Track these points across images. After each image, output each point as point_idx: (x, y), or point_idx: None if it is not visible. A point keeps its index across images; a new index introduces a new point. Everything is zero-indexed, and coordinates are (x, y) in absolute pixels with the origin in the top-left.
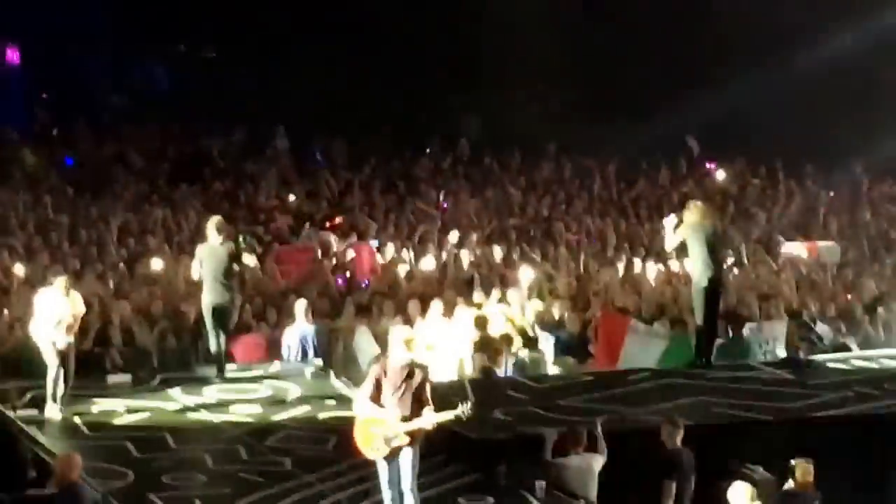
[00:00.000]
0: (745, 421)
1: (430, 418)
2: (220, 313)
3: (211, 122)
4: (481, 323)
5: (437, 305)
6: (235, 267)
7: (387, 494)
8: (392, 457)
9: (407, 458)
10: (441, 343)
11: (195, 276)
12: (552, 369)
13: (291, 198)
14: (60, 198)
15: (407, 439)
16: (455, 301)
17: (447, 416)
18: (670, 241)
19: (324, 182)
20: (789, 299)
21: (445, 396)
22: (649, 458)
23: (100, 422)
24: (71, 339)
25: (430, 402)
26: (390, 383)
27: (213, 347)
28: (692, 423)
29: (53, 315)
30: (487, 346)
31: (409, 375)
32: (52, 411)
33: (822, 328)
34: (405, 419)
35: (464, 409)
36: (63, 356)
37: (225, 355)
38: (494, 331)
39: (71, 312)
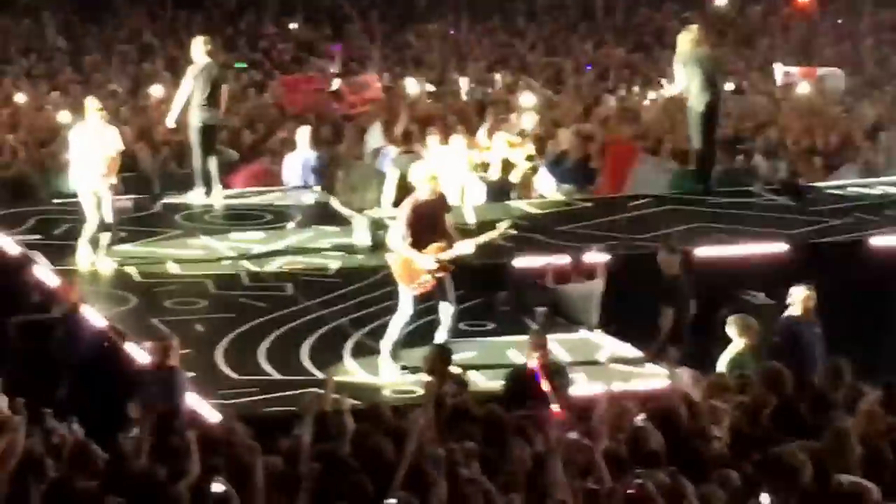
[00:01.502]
0: (746, 246)
1: (467, 245)
2: (207, 133)
3: None
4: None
5: (436, 133)
6: (223, 87)
7: (405, 321)
8: (435, 289)
9: (450, 287)
10: (443, 170)
11: (182, 96)
12: (554, 196)
13: (293, 26)
14: (61, 24)
15: (450, 269)
16: (456, 127)
17: (483, 239)
18: (677, 81)
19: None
20: (789, 127)
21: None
22: (649, 285)
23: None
24: (112, 180)
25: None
26: (422, 218)
27: (199, 167)
28: (692, 248)
29: (90, 154)
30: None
31: (437, 207)
32: (86, 257)
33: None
34: (440, 250)
35: (503, 229)
36: (101, 201)
37: (215, 177)
38: (496, 156)
39: (111, 149)
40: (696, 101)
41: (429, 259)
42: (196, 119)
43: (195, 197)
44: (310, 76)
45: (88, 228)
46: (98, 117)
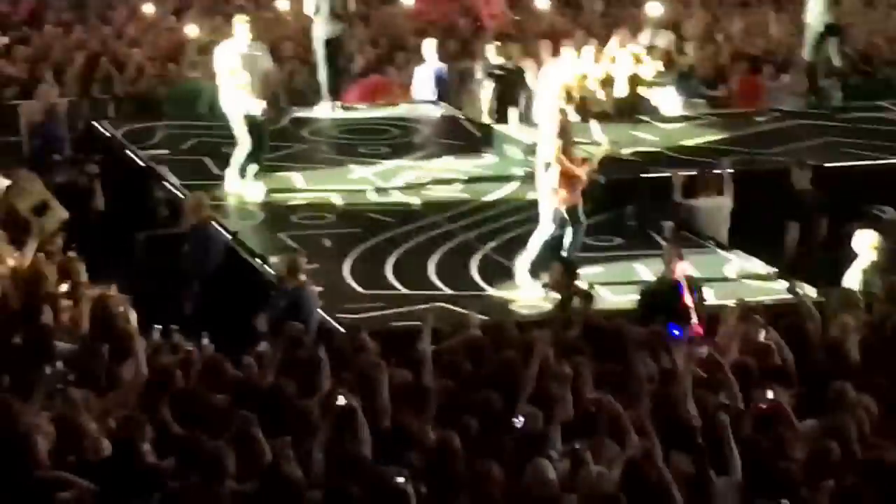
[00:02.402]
0: (877, 162)
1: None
2: (333, 46)
3: None
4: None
5: (568, 49)
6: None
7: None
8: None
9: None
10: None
11: (310, 9)
12: (680, 111)
13: None
14: None
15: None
16: (584, 41)
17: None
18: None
19: None
20: None
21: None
22: (778, 200)
23: (229, 161)
24: (264, 103)
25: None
26: (569, 130)
27: (325, 80)
28: (822, 164)
29: (242, 74)
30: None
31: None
32: (237, 185)
33: None
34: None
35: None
36: (257, 126)
37: (337, 90)
38: (623, 70)
39: (261, 67)
40: (816, 19)
41: (583, 173)
42: (320, 31)
43: (322, 111)
44: None
45: (240, 152)
46: (247, 34)
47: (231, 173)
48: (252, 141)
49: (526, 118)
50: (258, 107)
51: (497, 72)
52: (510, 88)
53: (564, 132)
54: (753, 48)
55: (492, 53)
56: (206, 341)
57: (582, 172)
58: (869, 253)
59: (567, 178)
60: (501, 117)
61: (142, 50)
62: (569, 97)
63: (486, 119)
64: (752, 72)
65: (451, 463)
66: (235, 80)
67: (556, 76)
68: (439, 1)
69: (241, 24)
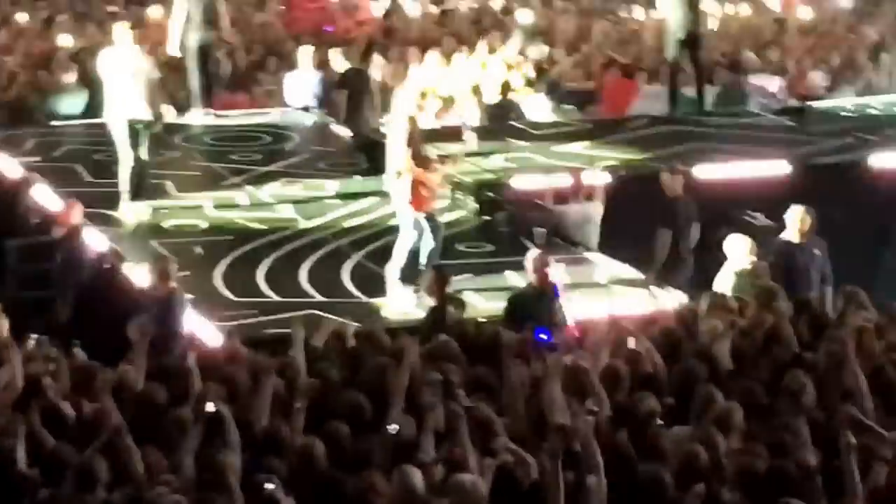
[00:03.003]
0: (746, 167)
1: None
2: (204, 54)
3: None
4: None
5: (434, 54)
6: (221, 7)
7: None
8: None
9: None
10: (440, 89)
11: (179, 19)
12: (552, 117)
13: None
14: None
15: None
16: (454, 48)
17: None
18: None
19: None
20: (790, 47)
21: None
22: (649, 206)
23: (102, 169)
24: (148, 114)
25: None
26: (419, 138)
27: (197, 88)
28: (692, 169)
29: (124, 84)
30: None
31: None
32: (131, 209)
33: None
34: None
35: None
36: (138, 133)
37: (208, 97)
38: (493, 77)
39: (144, 73)
40: (677, 26)
41: (436, 178)
42: (193, 40)
43: (194, 117)
44: None
45: (124, 166)
46: (130, 43)
47: (122, 190)
48: (133, 153)
49: (368, 122)
50: (144, 112)
51: (344, 77)
52: (358, 94)
53: (413, 139)
54: (624, 55)
55: (338, 60)
56: (77, 349)
57: (434, 178)
58: (741, 258)
59: (419, 185)
60: (352, 122)
61: (13, 57)
62: (421, 103)
63: (340, 125)
64: (621, 78)
65: (316, 470)
66: (117, 89)
67: (413, 83)
68: (310, 8)
69: (122, 31)
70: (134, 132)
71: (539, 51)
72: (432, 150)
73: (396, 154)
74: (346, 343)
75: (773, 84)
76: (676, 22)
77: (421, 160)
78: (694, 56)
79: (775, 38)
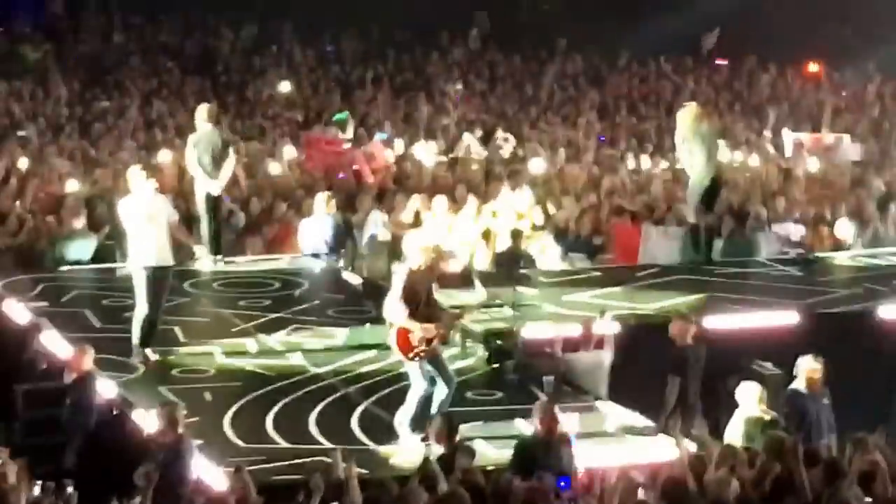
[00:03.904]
0: (755, 316)
1: (457, 315)
2: (211, 201)
3: (221, 17)
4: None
5: (443, 200)
6: (230, 155)
7: (421, 394)
8: (429, 356)
9: (440, 355)
10: (449, 237)
11: (190, 166)
12: (561, 265)
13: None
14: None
15: (447, 337)
16: (465, 196)
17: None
18: (681, 155)
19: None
20: (798, 197)
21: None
22: (659, 354)
23: (111, 314)
24: (170, 260)
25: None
26: (418, 287)
27: (206, 234)
28: (702, 318)
29: (143, 226)
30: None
31: (430, 275)
32: (142, 355)
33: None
34: (434, 319)
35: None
36: (157, 280)
37: (219, 241)
38: (503, 225)
39: (164, 215)
40: (702, 175)
41: (425, 328)
42: (199, 187)
43: (204, 264)
44: (330, 138)
45: (140, 312)
46: (145, 186)
47: (136, 333)
48: (148, 300)
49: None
50: (167, 258)
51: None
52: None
53: (409, 285)
54: (633, 203)
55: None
56: (70, 489)
57: (421, 331)
58: (752, 407)
59: (405, 332)
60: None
61: (22, 202)
62: (433, 254)
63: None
64: (630, 226)
65: None
66: (137, 235)
67: (423, 230)
68: (327, 151)
69: (137, 175)
70: (154, 278)
71: (548, 199)
72: (442, 297)
73: (389, 300)
74: (355, 490)
75: (796, 233)
76: (698, 173)
77: (413, 308)
78: (710, 206)
79: (783, 189)
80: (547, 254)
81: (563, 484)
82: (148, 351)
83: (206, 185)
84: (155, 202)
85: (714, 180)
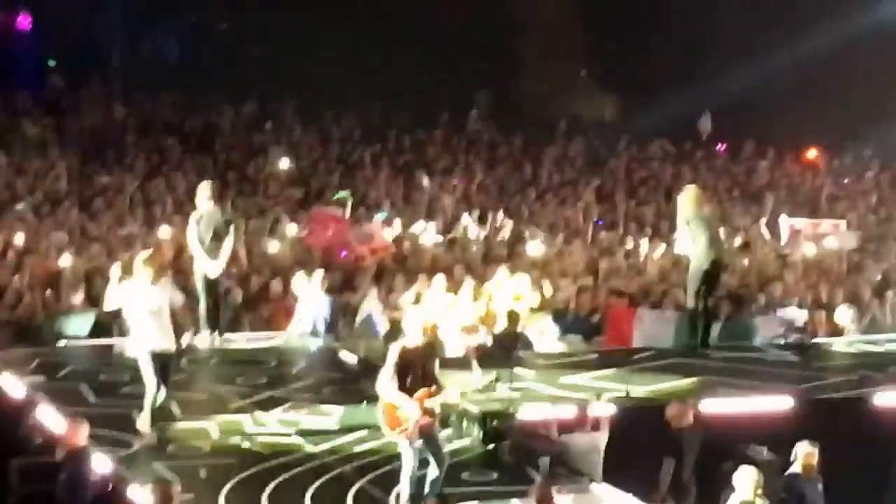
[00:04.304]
0: (751, 401)
1: (453, 393)
2: (209, 280)
3: (221, 93)
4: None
5: (441, 280)
6: (230, 234)
7: (412, 472)
8: (419, 436)
9: (436, 439)
10: (447, 318)
11: (191, 243)
12: (558, 346)
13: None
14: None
15: (435, 417)
16: (463, 276)
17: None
18: (683, 242)
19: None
20: (794, 283)
21: (454, 370)
22: (654, 437)
23: (107, 389)
24: (172, 345)
25: (444, 379)
26: (411, 364)
27: (204, 312)
28: (697, 402)
29: (146, 315)
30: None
31: (426, 353)
32: (148, 436)
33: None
34: (426, 396)
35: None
36: (163, 363)
37: (217, 318)
38: (501, 306)
39: (169, 306)
40: (703, 259)
41: (413, 405)
42: (198, 265)
43: (200, 342)
44: (337, 214)
45: (150, 394)
46: (150, 274)
47: (145, 415)
48: (156, 379)
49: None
50: (170, 343)
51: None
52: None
53: (406, 367)
54: (629, 286)
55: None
56: None
57: (409, 408)
58: (747, 491)
59: (391, 412)
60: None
61: (20, 276)
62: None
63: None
64: (626, 308)
65: None
66: (139, 321)
67: (419, 310)
68: (330, 227)
69: (142, 264)
70: (159, 361)
71: (546, 281)
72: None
73: (381, 375)
74: None
75: (801, 318)
76: (698, 257)
77: (403, 385)
78: (710, 290)
79: (778, 275)
80: (545, 336)
81: None
82: (148, 431)
83: (204, 265)
84: (156, 293)
85: (714, 264)
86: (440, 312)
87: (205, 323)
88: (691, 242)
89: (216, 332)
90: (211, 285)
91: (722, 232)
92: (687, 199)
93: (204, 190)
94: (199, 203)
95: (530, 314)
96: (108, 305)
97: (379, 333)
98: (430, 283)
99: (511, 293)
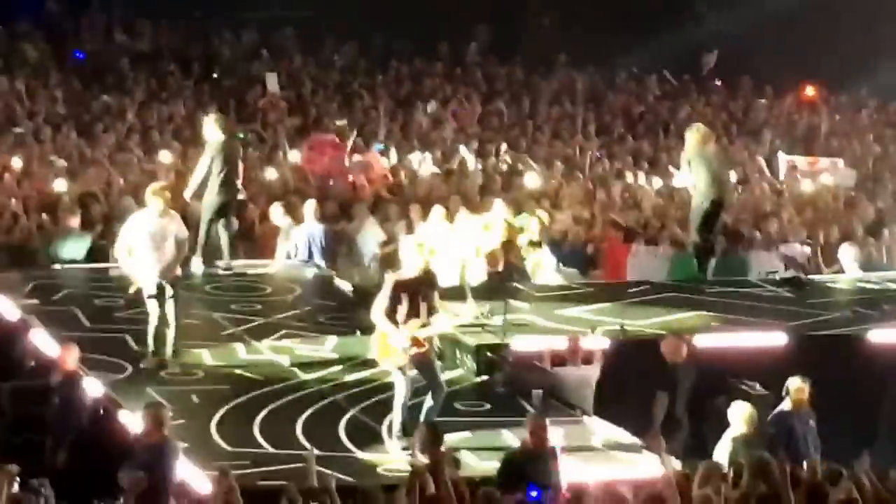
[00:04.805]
0: (745, 336)
1: (444, 323)
2: (223, 209)
3: (222, 21)
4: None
5: (438, 210)
6: (239, 162)
7: (404, 401)
8: (412, 365)
9: (432, 366)
10: (443, 248)
11: (201, 173)
12: (554, 279)
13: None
14: (69, 91)
15: (425, 346)
16: (459, 207)
17: (458, 321)
18: (684, 177)
19: (333, 84)
20: (790, 221)
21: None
22: (647, 371)
23: (101, 314)
24: (178, 271)
25: (439, 307)
26: (405, 294)
27: (203, 239)
28: (692, 337)
29: (157, 247)
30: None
31: (421, 284)
32: (153, 363)
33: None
34: (418, 327)
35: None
36: (167, 297)
37: (226, 249)
38: (497, 237)
39: (174, 238)
40: (703, 198)
41: (403, 334)
42: (214, 195)
43: (196, 267)
44: (336, 141)
45: (152, 326)
46: (162, 204)
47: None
48: (162, 313)
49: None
50: (171, 278)
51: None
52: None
53: (399, 296)
54: (625, 219)
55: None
56: (48, 490)
57: (399, 337)
58: (740, 426)
59: (382, 341)
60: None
61: (16, 200)
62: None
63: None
64: (622, 242)
65: None
66: (148, 252)
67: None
68: (329, 153)
69: (154, 195)
70: (162, 292)
71: (542, 213)
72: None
73: (375, 305)
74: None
75: (803, 254)
76: (700, 195)
77: (396, 314)
78: (710, 227)
79: (774, 211)
80: (542, 268)
81: (533, 494)
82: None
83: (220, 193)
84: (165, 224)
85: (714, 203)
86: (438, 242)
87: (201, 249)
88: (693, 179)
89: (227, 260)
90: (221, 214)
91: (732, 174)
92: (690, 138)
93: (219, 122)
94: (212, 134)
95: (527, 247)
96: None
97: (374, 262)
98: (425, 213)
99: (507, 224)
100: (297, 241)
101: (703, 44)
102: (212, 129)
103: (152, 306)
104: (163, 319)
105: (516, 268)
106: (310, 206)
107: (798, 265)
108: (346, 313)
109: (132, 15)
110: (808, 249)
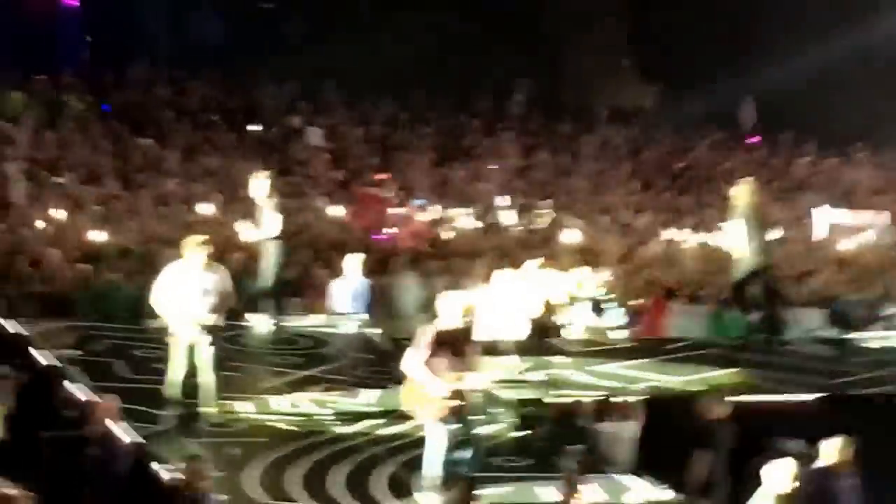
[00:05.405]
0: (783, 396)
1: (482, 378)
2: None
3: (263, 73)
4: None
5: (481, 266)
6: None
7: (442, 454)
8: (447, 418)
9: (467, 417)
10: (484, 303)
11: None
12: (593, 335)
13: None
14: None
15: (459, 401)
16: (499, 263)
17: (496, 377)
18: (734, 238)
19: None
20: (829, 277)
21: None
22: (687, 428)
23: (141, 365)
24: (217, 321)
25: (478, 361)
26: (444, 345)
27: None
28: (731, 395)
29: (192, 298)
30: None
31: (460, 336)
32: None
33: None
34: (455, 379)
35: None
36: (195, 348)
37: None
38: (537, 292)
39: (217, 292)
40: (750, 260)
41: (441, 386)
42: (275, 249)
43: (255, 321)
44: (380, 195)
45: (172, 377)
46: (203, 256)
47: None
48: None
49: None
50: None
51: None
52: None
53: (435, 348)
54: (667, 277)
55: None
56: None
57: (436, 389)
58: (780, 484)
59: (416, 392)
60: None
61: (58, 250)
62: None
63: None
64: (663, 299)
65: None
66: (183, 303)
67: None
68: (375, 208)
69: (194, 246)
70: (191, 347)
71: (583, 270)
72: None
73: (410, 356)
74: None
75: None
76: (750, 257)
77: (434, 366)
78: (755, 285)
79: (816, 268)
80: (581, 324)
81: None
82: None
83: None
84: (208, 276)
85: (760, 260)
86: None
87: (263, 304)
88: (745, 236)
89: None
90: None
91: (774, 231)
92: (744, 194)
93: (263, 179)
94: (259, 193)
95: (568, 302)
96: (157, 297)
97: (413, 316)
98: (467, 268)
99: (547, 281)
100: (338, 295)
101: (747, 98)
102: (260, 188)
103: (177, 356)
104: (192, 370)
105: (556, 324)
106: (354, 260)
107: (846, 322)
108: (386, 367)
109: (175, 65)
110: (857, 308)
